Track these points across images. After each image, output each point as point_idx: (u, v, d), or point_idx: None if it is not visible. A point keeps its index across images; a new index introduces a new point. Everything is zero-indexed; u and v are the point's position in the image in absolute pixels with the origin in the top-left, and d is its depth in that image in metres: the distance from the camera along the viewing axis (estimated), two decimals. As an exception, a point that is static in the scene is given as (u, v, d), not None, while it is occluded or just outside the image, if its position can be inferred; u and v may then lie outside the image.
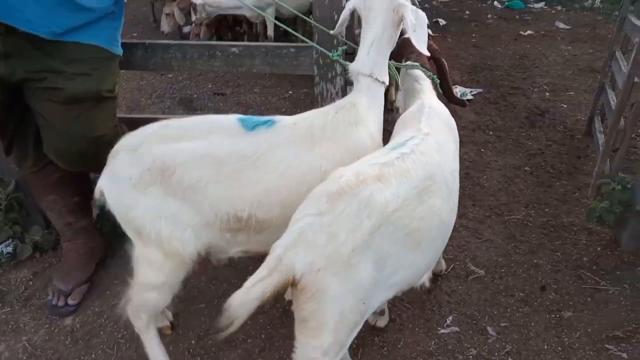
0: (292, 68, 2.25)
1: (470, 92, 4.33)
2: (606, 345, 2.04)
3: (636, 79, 2.35)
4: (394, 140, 1.59)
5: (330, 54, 1.90)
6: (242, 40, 4.98)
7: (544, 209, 2.87)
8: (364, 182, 1.25)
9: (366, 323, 1.93)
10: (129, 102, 4.10)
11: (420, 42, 1.62)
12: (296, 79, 4.48)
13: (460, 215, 2.81)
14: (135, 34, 5.66)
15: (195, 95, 4.33)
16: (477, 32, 6.09)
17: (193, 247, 1.55)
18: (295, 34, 2.08)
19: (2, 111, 1.86)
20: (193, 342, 2.04)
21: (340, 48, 1.95)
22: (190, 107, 4.14)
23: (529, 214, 2.82)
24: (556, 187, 3.07)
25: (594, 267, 2.43)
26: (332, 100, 2.20)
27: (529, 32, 6.08)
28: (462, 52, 5.39)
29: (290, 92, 4.45)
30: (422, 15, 1.66)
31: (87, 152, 1.87)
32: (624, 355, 2.00)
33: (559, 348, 2.03)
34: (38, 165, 2.05)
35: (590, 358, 1.99)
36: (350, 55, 1.90)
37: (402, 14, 1.59)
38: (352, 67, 1.69)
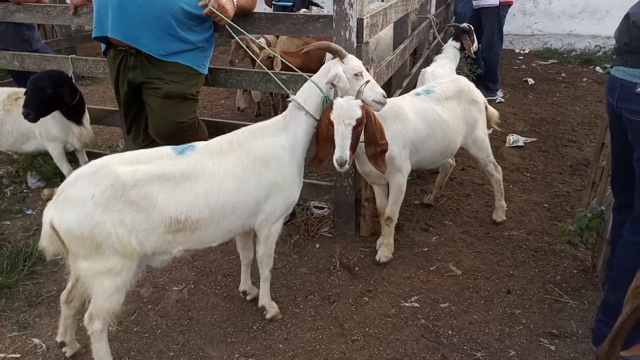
0: (324, 93, 3.02)
1: (524, 140, 4.66)
2: (540, 339, 2.38)
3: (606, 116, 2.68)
4: None
5: (290, 92, 2.42)
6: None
7: (543, 237, 3.19)
8: None
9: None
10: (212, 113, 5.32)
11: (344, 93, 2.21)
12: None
13: (463, 231, 3.27)
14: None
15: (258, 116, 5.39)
16: (562, 92, 6.28)
17: (144, 247, 1.95)
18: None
19: (128, 103, 2.91)
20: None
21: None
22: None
23: (527, 239, 3.16)
24: (567, 224, 3.33)
25: (564, 284, 2.73)
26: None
27: (619, 95, 6.13)
28: (537, 107, 5.68)
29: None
30: (343, 78, 2.21)
31: (173, 131, 2.81)
32: (552, 347, 2.33)
33: (497, 333, 2.42)
34: (145, 142, 3.05)
35: (522, 345, 2.35)
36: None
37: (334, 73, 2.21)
38: (293, 96, 2.29)
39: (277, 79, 2.89)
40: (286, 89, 2.87)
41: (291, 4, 6.07)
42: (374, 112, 2.33)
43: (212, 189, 2.03)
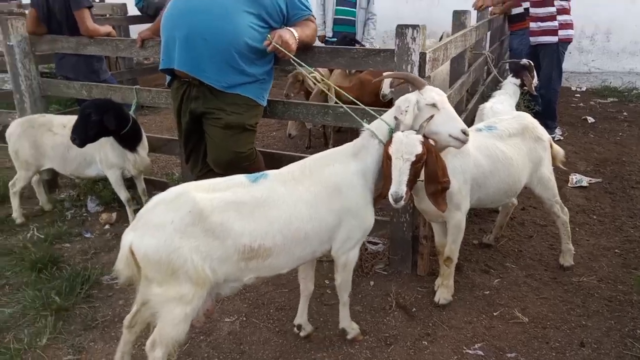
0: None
1: (589, 180, 4.42)
2: (622, 399, 2.14)
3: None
4: None
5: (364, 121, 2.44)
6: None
7: (617, 285, 2.95)
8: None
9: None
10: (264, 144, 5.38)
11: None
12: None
13: (527, 274, 3.07)
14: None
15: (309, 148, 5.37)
16: (626, 131, 5.97)
17: (216, 275, 1.93)
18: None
19: (188, 132, 2.95)
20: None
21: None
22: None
23: (599, 287, 2.93)
24: (643, 272, 3.08)
25: (645, 340, 2.48)
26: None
27: (691, 135, 5.77)
28: (600, 147, 5.41)
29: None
30: (412, 103, 2.18)
31: (232, 161, 2.82)
32: (637, 410, 2.08)
33: (572, 390, 2.20)
34: (202, 172, 3.07)
35: (601, 405, 2.12)
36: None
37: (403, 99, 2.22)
38: (367, 126, 2.29)
39: (349, 111, 2.78)
40: (359, 120, 2.79)
41: (335, 39, 6.18)
42: (454, 147, 2.27)
43: (285, 216, 2.03)
